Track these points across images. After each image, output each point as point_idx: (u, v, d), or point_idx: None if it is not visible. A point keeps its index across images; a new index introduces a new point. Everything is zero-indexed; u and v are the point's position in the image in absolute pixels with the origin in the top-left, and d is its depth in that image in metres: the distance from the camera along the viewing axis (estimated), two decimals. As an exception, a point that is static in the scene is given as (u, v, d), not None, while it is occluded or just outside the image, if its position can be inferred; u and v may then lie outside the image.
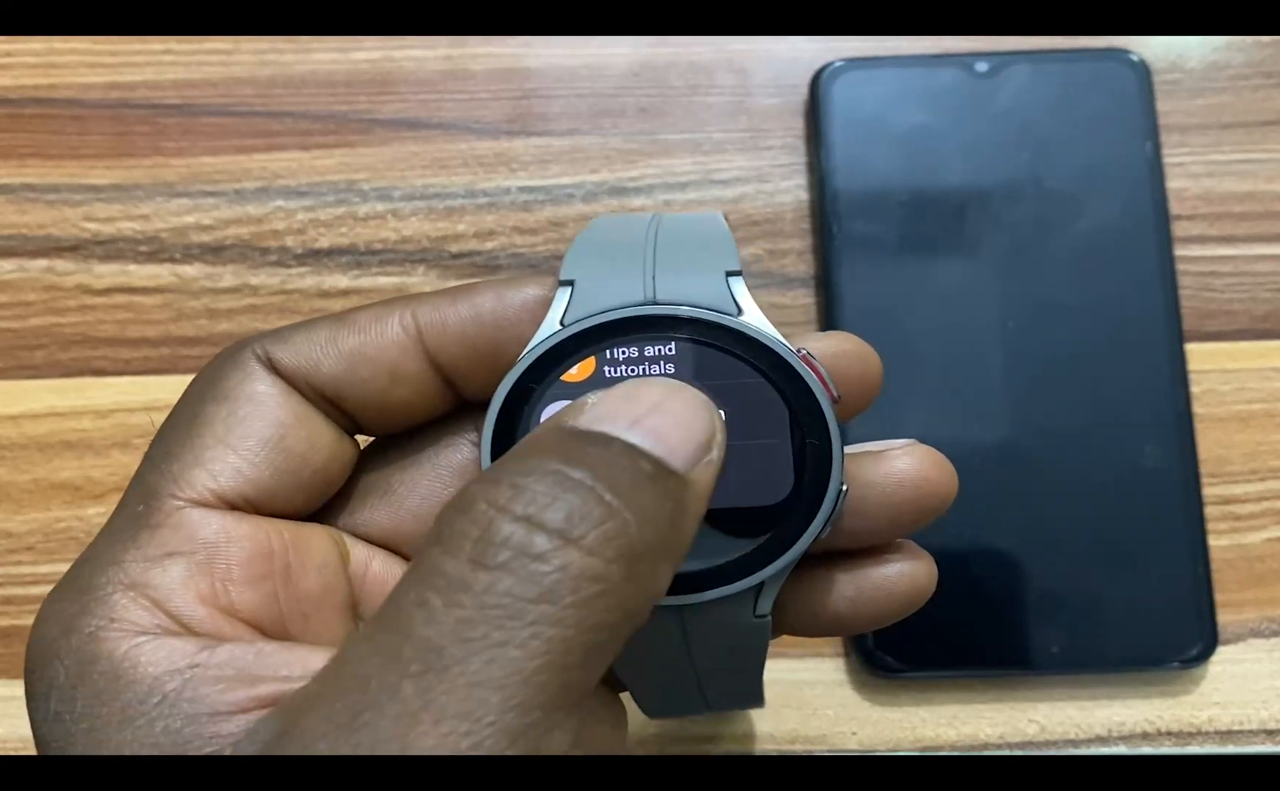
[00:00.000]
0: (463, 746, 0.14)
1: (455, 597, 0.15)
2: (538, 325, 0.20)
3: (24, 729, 0.32)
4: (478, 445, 0.21)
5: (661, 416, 0.17)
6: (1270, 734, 0.31)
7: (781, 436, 0.20)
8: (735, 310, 0.20)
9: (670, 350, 0.20)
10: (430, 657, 0.15)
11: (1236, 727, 0.31)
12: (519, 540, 0.15)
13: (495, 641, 0.15)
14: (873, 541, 0.21)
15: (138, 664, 0.17)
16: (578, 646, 0.15)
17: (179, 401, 0.21)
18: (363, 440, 0.22)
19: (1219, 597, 0.32)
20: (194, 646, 0.18)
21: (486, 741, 0.15)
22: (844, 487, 0.20)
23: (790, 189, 0.36)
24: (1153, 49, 0.36)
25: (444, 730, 0.14)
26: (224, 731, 0.17)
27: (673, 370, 0.20)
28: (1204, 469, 0.33)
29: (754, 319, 0.20)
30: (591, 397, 0.18)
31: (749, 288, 0.20)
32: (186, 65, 0.36)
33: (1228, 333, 0.34)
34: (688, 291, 0.20)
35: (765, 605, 0.20)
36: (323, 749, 0.15)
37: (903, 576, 0.21)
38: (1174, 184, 0.35)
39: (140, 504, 0.19)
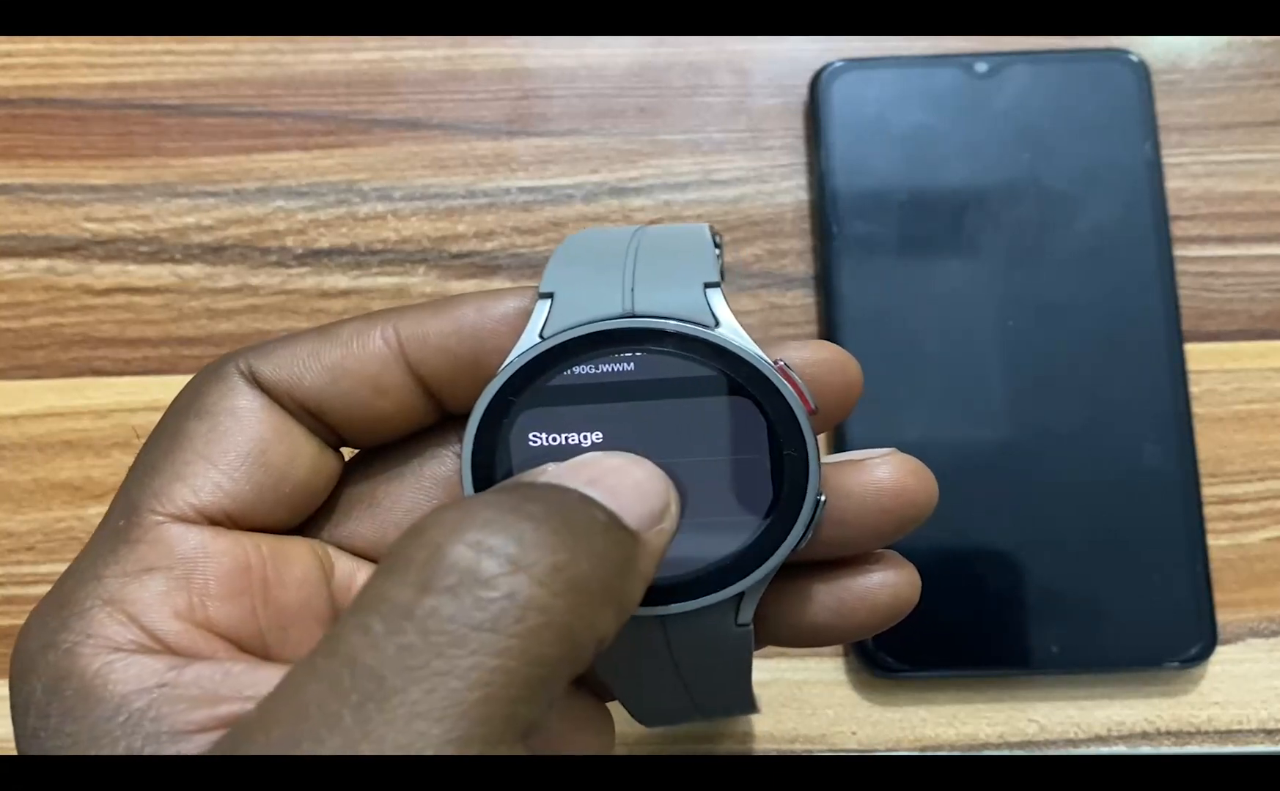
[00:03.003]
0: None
1: (398, 623, 0.15)
2: (518, 337, 0.20)
3: (24, 728, 0.32)
4: (460, 456, 0.21)
5: (618, 478, 0.18)
6: (1270, 733, 0.31)
7: (759, 448, 0.20)
8: (713, 322, 0.20)
9: (648, 364, 0.20)
10: (370, 686, 0.14)
11: (1236, 727, 0.31)
12: (467, 563, 0.15)
13: (436, 670, 0.14)
14: (854, 550, 0.21)
15: (108, 681, 0.17)
16: (521, 679, 0.15)
17: (163, 416, 0.21)
18: (348, 453, 0.23)
19: (1218, 597, 0.32)
20: (164, 664, 0.18)
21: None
22: (821, 498, 0.20)
23: (790, 189, 0.36)
24: (1153, 49, 0.36)
25: None
26: (184, 751, 0.17)
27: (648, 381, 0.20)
28: (1204, 469, 0.33)
29: (730, 331, 0.20)
30: (550, 466, 0.18)
31: (749, 289, 0.20)
32: (186, 65, 0.37)
33: (1227, 333, 0.34)
34: (666, 304, 0.20)
35: (746, 615, 0.20)
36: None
37: (885, 587, 0.21)
38: (1174, 184, 0.35)
39: (121, 518, 0.20)
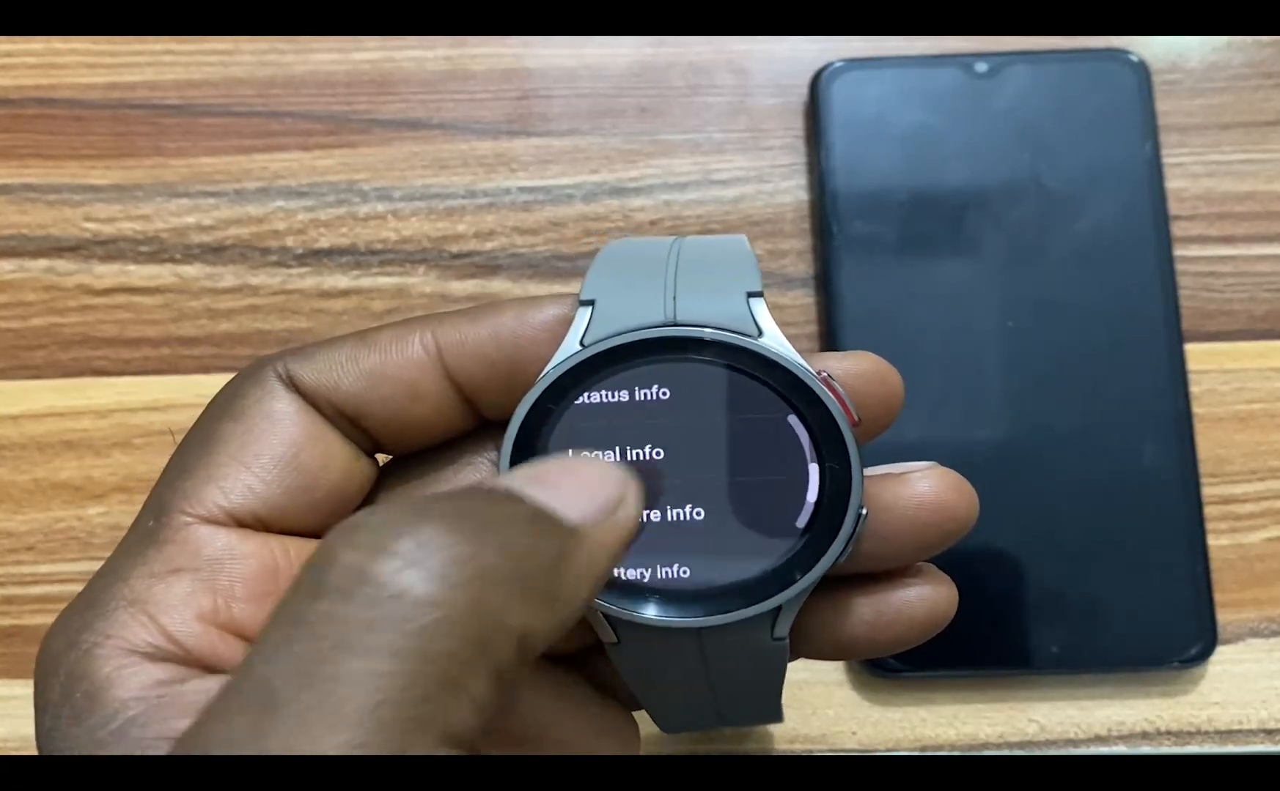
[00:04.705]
0: None
1: (290, 631, 0.14)
2: (558, 345, 0.20)
3: (24, 728, 0.32)
4: (497, 464, 0.21)
5: (560, 475, 0.17)
6: (1270, 733, 0.31)
7: (801, 460, 0.20)
8: (756, 331, 0.20)
9: (690, 372, 0.20)
10: (263, 697, 0.14)
11: (1236, 727, 0.31)
12: (357, 565, 0.15)
13: (326, 675, 0.14)
14: (892, 565, 0.21)
15: (112, 686, 0.17)
16: (420, 679, 0.14)
17: (200, 417, 0.21)
18: (383, 459, 0.22)
19: (1218, 597, 0.32)
20: (170, 674, 0.18)
21: None
22: (863, 511, 0.20)
23: (790, 189, 0.36)
24: (1153, 49, 0.36)
25: None
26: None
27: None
28: (1204, 469, 0.33)
29: (774, 341, 0.20)
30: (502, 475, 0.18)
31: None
32: (186, 65, 0.36)
33: (1227, 333, 0.34)
34: (708, 312, 0.20)
35: (783, 628, 0.20)
36: None
37: (923, 601, 0.21)
38: (1174, 184, 0.35)
39: (151, 519, 0.20)
